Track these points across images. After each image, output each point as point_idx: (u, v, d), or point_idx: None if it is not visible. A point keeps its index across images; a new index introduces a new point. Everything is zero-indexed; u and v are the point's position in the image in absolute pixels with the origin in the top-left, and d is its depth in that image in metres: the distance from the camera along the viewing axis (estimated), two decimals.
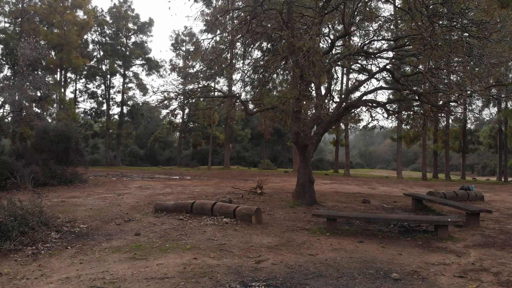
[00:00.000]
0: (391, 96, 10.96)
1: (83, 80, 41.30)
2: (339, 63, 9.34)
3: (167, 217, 6.99)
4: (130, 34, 36.99)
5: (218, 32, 9.95)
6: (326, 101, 8.94)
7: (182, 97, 9.07)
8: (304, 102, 8.08)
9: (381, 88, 8.46)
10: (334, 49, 9.49)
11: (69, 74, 41.10)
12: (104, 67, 36.21)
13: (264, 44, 13.40)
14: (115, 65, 35.29)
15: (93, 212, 7.45)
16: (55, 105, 28.84)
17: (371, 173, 44.10)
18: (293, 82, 8.70)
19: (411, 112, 11.16)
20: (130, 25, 37.17)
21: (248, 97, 10.27)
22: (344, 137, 27.09)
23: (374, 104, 8.24)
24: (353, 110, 8.79)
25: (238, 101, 9.11)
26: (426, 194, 10.33)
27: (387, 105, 9.67)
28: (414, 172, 68.23)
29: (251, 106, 12.90)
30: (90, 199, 9.44)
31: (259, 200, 9.38)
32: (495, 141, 32.07)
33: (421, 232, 6.22)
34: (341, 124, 24.53)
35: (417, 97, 7.91)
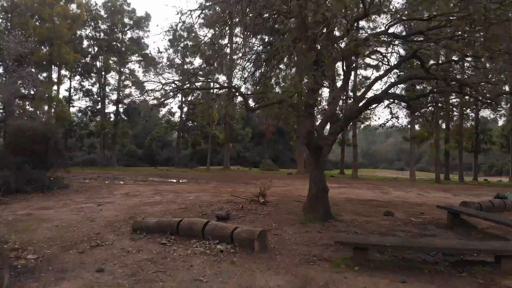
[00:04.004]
0: (416, 87, 9.52)
1: (78, 77, 40.04)
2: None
3: (146, 240, 5.51)
4: (126, 29, 35.51)
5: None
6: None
7: (173, 87, 7.62)
8: (320, 95, 6.62)
9: (415, 77, 7.00)
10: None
11: (64, 72, 39.82)
12: (98, 64, 34.72)
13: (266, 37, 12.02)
14: (110, 62, 33.79)
15: (56, 232, 5.98)
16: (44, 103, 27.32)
17: (376, 174, 42.60)
18: (300, 72, 7.24)
19: (432, 108, 9.71)
20: (126, 20, 35.70)
21: (249, 92, 8.76)
22: (351, 136, 25.58)
23: (402, 99, 6.77)
24: (374, 106, 7.34)
25: (237, 94, 7.61)
26: (459, 205, 8.83)
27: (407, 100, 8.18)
28: (419, 172, 66.79)
29: (252, 106, 11.44)
30: (62, 211, 7.96)
31: (262, 213, 7.90)
32: (507, 141, 30.57)
33: (478, 263, 4.73)
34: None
35: (459, 89, 6.42)
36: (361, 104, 6.58)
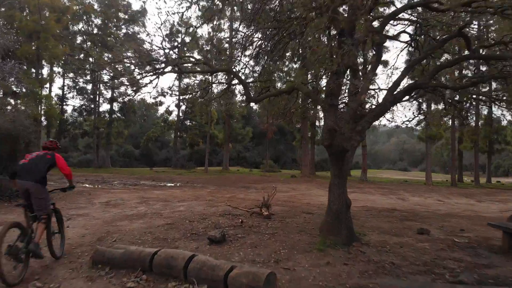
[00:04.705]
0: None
1: (71, 75, 38.52)
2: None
3: (108, 279, 3.93)
4: (121, 24, 33.91)
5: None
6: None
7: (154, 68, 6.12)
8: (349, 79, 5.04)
9: (467, 58, 5.45)
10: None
11: (57, 69, 38.28)
12: (92, 59, 33.09)
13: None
14: (104, 57, 32.16)
15: None
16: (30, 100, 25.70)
17: (381, 175, 41.02)
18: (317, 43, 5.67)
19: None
20: (121, 15, 34.09)
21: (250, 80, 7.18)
22: None
23: (453, 86, 5.18)
24: (413, 95, 5.73)
25: (236, 80, 6.01)
26: (507, 219, 7.22)
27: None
28: (422, 172, 65.18)
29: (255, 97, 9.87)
30: None
31: (267, 231, 6.31)
32: None
33: None
34: None
35: None
36: (396, 92, 4.99)
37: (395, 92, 5.13)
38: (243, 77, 7.07)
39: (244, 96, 6.23)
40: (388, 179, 29.84)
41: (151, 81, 6.44)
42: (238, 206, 8.02)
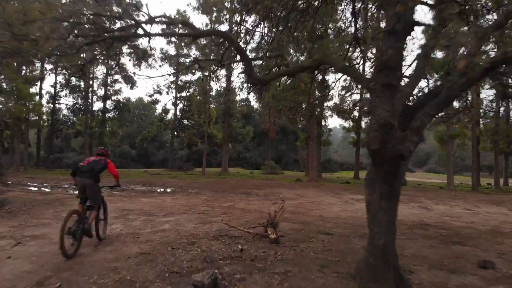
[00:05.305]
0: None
1: (64, 72, 36.84)
2: None
3: None
4: (114, 17, 32.15)
5: None
6: None
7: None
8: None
9: None
10: None
11: (50, 66, 36.61)
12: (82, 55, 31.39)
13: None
14: (96, 52, 30.48)
15: None
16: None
17: None
18: None
19: None
20: (114, 8, 32.30)
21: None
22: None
23: None
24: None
25: (232, 49, 4.27)
26: None
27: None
28: (428, 174, 63.34)
29: (259, 76, 8.15)
30: None
31: (276, 268, 4.57)
32: None
33: None
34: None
35: None
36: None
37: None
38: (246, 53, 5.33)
39: (245, 75, 4.44)
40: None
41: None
42: (237, 226, 6.28)
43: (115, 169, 5.72)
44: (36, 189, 14.71)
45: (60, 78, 37.04)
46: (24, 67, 28.77)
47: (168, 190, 15.29)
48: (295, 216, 8.44)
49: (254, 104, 52.11)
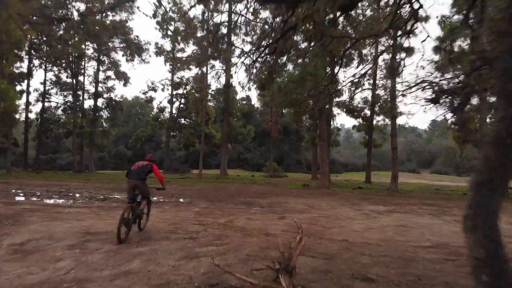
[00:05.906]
0: None
1: (55, 69, 34.86)
2: None
3: None
4: (105, 9, 30.08)
5: None
6: None
7: None
8: None
9: None
10: None
11: (37, 62, 34.65)
12: (71, 49, 29.28)
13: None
14: (86, 47, 28.39)
15: None
16: None
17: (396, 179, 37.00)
18: None
19: None
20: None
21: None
22: (390, 135, 20.07)
23: None
24: None
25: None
26: None
27: None
28: (436, 175, 61.19)
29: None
30: None
31: None
32: None
33: None
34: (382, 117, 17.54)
35: None
36: None
37: None
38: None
39: None
40: (416, 186, 25.94)
41: None
42: (234, 273, 4.20)
43: (159, 173, 6.79)
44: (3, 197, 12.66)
45: (50, 75, 35.04)
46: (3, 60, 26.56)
47: (155, 198, 13.22)
48: (312, 243, 6.35)
49: (256, 102, 49.98)
